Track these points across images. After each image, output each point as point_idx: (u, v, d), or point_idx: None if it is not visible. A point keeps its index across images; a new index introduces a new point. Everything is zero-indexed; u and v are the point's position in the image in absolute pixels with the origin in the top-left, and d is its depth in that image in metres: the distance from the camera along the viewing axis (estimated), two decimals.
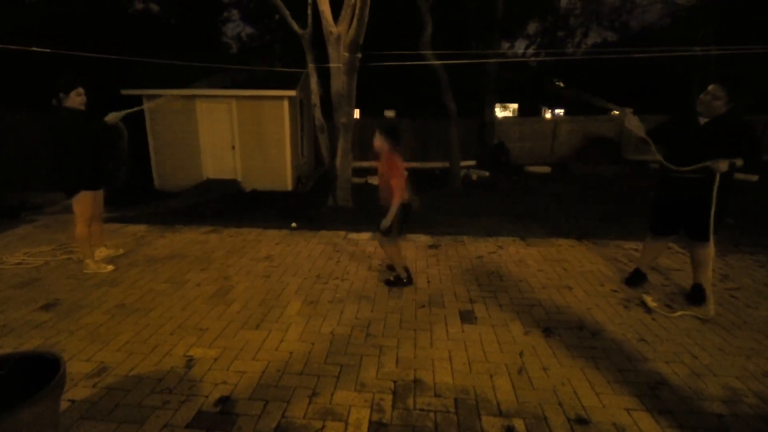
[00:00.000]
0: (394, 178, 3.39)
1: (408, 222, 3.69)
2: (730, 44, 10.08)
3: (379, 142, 3.53)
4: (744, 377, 2.50)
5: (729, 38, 11.47)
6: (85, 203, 3.99)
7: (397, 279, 3.79)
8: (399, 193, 3.38)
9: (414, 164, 14.18)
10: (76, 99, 3.84)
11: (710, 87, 3.20)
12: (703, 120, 3.24)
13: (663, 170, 3.46)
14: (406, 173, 3.48)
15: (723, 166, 3.06)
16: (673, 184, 3.38)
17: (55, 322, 3.13)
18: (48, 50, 6.68)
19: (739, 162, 3.08)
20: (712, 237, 3.25)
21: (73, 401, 2.25)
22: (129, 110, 4.21)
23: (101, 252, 4.46)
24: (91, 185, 4.02)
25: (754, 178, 10.19)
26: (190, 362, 2.62)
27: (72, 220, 4.12)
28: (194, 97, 9.76)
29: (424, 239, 5.25)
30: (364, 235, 5.36)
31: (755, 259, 4.53)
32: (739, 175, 9.49)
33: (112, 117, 4.03)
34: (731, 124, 3.18)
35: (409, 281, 3.79)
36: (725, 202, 3.23)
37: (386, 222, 3.46)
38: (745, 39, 9.51)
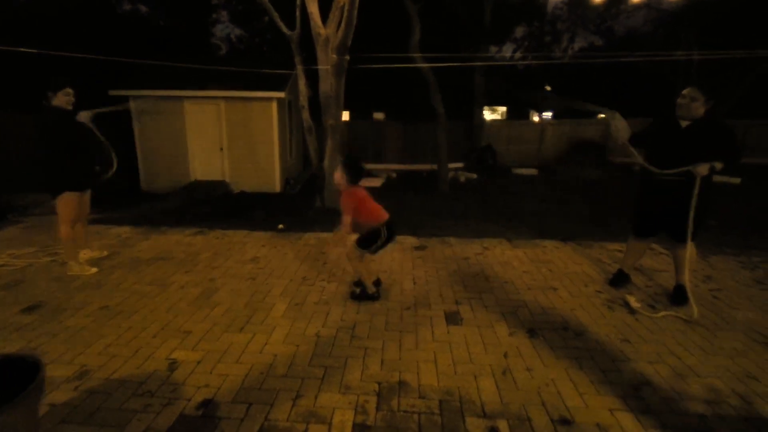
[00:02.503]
0: (345, 214, 3.24)
1: (388, 243, 3.49)
2: (712, 50, 10.32)
3: (338, 176, 3.33)
4: (726, 377, 2.53)
5: (710, 44, 11.75)
6: (69, 204, 3.93)
7: (363, 293, 3.55)
8: (346, 229, 3.29)
9: (402, 166, 14.24)
10: (63, 99, 3.83)
11: (686, 90, 3.28)
12: (684, 123, 3.30)
13: (645, 173, 3.51)
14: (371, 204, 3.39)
15: (703, 169, 3.12)
16: (654, 187, 3.43)
17: (38, 324, 3.06)
18: (34, 51, 6.56)
19: (718, 165, 3.14)
20: (691, 238, 3.31)
21: (53, 405, 2.21)
22: (101, 109, 4.16)
23: (85, 254, 4.38)
24: (76, 186, 3.96)
25: (737, 180, 10.41)
26: (172, 365, 2.58)
27: (56, 221, 4.05)
28: (182, 98, 9.67)
29: (410, 241, 5.25)
30: (352, 237, 5.33)
31: (738, 261, 4.62)
32: (722, 178, 9.71)
33: (82, 116, 3.98)
34: (712, 128, 3.24)
35: (377, 296, 3.56)
36: (706, 203, 3.30)
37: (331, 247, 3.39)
38: (726, 46, 9.75)
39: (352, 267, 3.70)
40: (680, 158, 3.22)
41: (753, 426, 2.15)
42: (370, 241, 3.40)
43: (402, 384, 2.43)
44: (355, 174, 3.34)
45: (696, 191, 3.16)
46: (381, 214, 3.40)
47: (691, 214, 3.21)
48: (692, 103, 3.22)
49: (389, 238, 3.45)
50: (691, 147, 3.23)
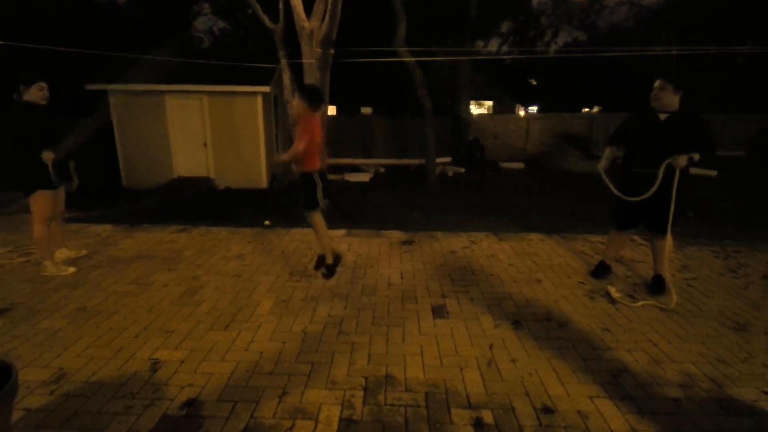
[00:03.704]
0: (300, 141, 3.20)
1: (326, 191, 3.63)
2: (690, 45, 10.52)
3: (297, 103, 3.25)
4: (700, 363, 2.62)
5: (691, 41, 11.98)
6: (43, 202, 3.82)
7: (330, 267, 3.86)
8: (298, 151, 3.24)
9: (391, 161, 14.21)
10: (36, 93, 3.70)
11: (656, 83, 3.36)
12: (662, 116, 3.36)
13: (624, 166, 3.59)
14: (318, 141, 3.35)
15: (682, 161, 3.19)
16: (633, 180, 3.49)
17: (10, 327, 2.98)
18: (4, 42, 6.33)
19: (696, 156, 3.21)
20: (671, 230, 3.39)
21: (28, 410, 2.15)
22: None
23: (62, 253, 4.27)
24: (48, 184, 3.84)
25: (713, 173, 10.67)
26: (155, 365, 2.54)
27: (30, 220, 3.93)
28: (163, 92, 9.47)
29: (398, 235, 5.26)
30: (338, 232, 5.32)
31: (712, 251, 4.75)
32: (699, 171, 9.93)
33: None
34: (689, 121, 3.31)
35: (337, 261, 3.91)
36: (683, 195, 3.37)
37: (279, 156, 3.52)
38: (706, 44, 9.96)
39: (316, 236, 3.90)
40: (659, 151, 3.28)
41: (723, 407, 2.23)
42: (311, 194, 3.51)
43: (389, 378, 2.44)
44: (313, 98, 3.29)
45: (675, 184, 3.24)
46: (317, 159, 3.44)
47: (671, 206, 3.28)
48: (661, 92, 3.30)
49: (324, 183, 3.60)
50: (669, 139, 3.29)
